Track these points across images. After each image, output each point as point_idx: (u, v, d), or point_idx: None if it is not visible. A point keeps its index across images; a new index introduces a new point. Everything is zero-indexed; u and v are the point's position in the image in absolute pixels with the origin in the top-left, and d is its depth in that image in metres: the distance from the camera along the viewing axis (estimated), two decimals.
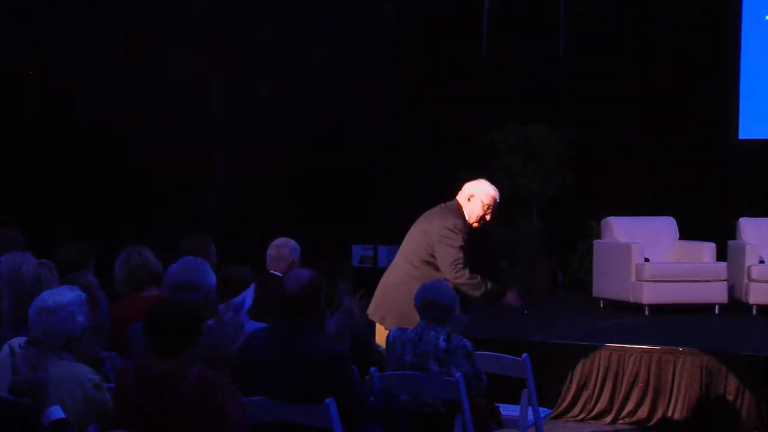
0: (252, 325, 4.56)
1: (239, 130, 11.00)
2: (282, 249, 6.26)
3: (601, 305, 9.71)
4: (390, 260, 6.88)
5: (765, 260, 9.52)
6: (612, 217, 9.98)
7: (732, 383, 7.14)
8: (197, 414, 3.52)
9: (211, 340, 4.01)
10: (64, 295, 3.82)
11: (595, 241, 10.07)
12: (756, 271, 9.36)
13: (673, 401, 7.28)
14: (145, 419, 3.56)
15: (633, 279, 9.37)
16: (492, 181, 6.37)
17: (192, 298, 4.19)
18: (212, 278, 4.48)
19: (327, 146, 11.07)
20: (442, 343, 4.98)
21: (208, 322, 4.42)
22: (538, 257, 10.98)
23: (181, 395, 3.52)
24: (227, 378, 3.94)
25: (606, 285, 9.69)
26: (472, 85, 11.09)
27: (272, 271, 6.17)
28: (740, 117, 10.49)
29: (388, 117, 11.11)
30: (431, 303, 5.07)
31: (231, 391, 3.66)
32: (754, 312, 9.29)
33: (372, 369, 4.89)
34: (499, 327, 8.39)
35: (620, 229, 9.87)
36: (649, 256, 9.52)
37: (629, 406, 7.40)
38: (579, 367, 7.56)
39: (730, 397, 7.12)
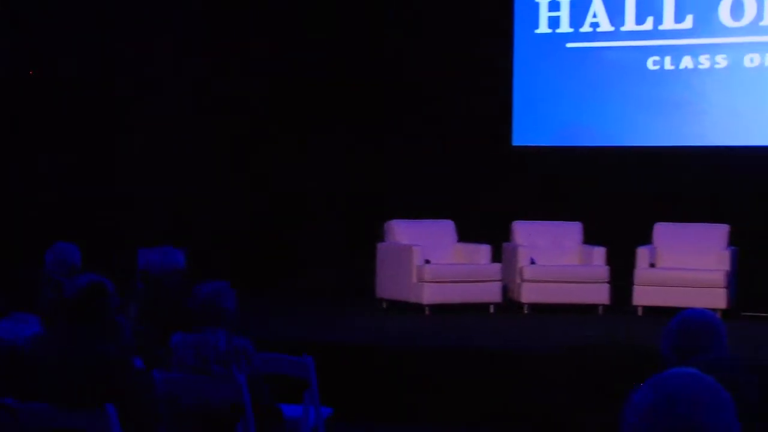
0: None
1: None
2: (62, 253, 6.33)
3: (384, 306, 9.98)
4: None
5: (536, 261, 10.04)
6: (394, 220, 10.27)
7: (511, 379, 7.49)
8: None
9: None
10: None
11: (378, 243, 10.31)
12: (528, 272, 9.88)
13: (454, 400, 7.54)
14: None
15: (414, 280, 9.67)
16: None
17: None
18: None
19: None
20: (222, 345, 4.99)
21: None
22: (331, 259, 11.12)
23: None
24: None
25: (389, 286, 9.96)
26: None
27: (52, 276, 6.15)
28: (513, 125, 11.01)
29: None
30: (208, 305, 5.01)
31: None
32: (526, 310, 9.81)
33: (154, 371, 4.88)
34: (281, 328, 8.50)
35: (402, 231, 10.16)
36: (429, 257, 9.85)
37: (419, 406, 7.57)
38: (362, 367, 7.73)
39: (501, 394, 7.48)
